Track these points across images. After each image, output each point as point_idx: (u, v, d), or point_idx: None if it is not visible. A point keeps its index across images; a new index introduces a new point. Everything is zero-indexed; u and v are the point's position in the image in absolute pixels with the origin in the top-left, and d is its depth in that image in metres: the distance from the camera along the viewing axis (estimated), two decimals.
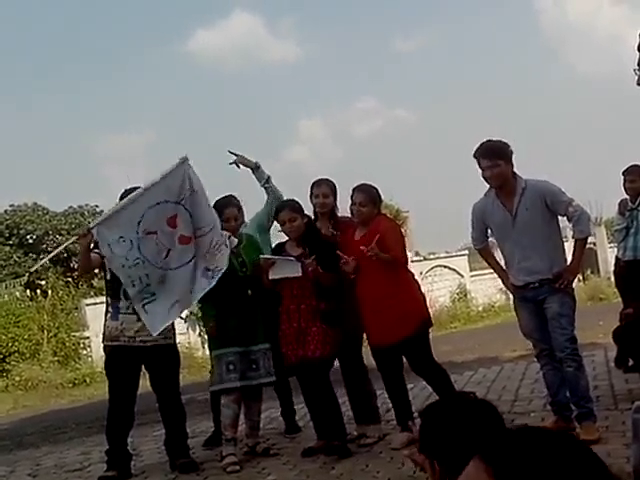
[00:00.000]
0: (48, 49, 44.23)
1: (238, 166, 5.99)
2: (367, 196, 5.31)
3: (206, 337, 5.51)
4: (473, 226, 5.20)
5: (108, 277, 5.51)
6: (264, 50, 47.78)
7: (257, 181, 5.99)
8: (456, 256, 19.62)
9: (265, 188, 5.97)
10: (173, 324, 5.64)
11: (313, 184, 5.76)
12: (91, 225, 5.34)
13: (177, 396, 5.57)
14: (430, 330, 5.45)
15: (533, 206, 4.82)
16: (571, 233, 5.19)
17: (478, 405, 1.89)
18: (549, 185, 4.92)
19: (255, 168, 5.96)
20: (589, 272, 20.45)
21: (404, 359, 5.37)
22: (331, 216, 5.72)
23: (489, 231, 5.18)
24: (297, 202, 5.57)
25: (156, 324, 5.29)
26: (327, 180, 5.80)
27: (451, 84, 45.23)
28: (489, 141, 4.92)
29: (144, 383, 5.73)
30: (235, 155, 5.99)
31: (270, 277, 5.32)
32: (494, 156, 4.83)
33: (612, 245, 17.19)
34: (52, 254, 6.98)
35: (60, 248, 6.32)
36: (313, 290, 5.33)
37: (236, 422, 5.45)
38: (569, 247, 5.23)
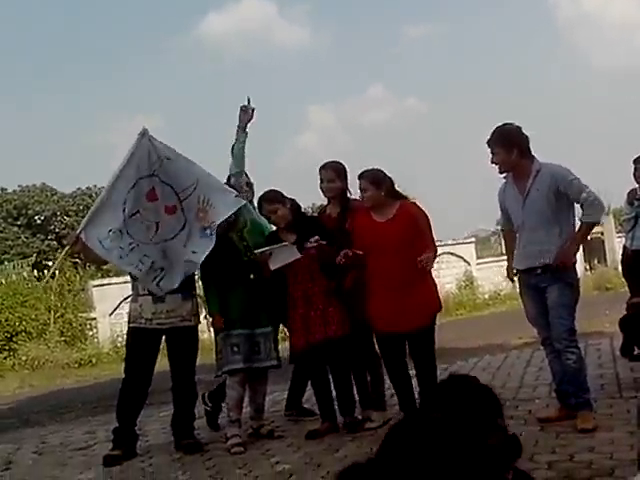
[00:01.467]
0: (50, 48, 44.36)
1: (242, 116, 5.69)
2: (367, 180, 5.25)
3: (212, 320, 5.51)
4: (500, 209, 5.25)
5: None
6: (276, 35, 47.79)
7: (236, 139, 5.68)
8: (463, 243, 19.58)
9: (240, 148, 5.67)
10: (197, 306, 5.65)
11: (320, 169, 5.69)
12: (77, 231, 5.39)
13: (191, 378, 5.58)
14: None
15: (543, 188, 4.80)
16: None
17: (475, 387, 1.91)
18: (563, 171, 4.87)
19: (242, 130, 5.67)
20: (596, 261, 20.41)
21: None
22: (342, 200, 5.67)
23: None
24: (274, 191, 5.54)
25: (169, 287, 5.35)
26: (333, 163, 5.69)
27: (460, 75, 45.19)
28: (497, 128, 4.91)
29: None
30: (246, 108, 5.70)
31: (272, 268, 5.31)
32: (494, 144, 4.87)
33: (620, 234, 17.13)
34: (56, 264, 7.00)
35: (59, 260, 6.45)
36: (321, 272, 5.35)
37: (241, 403, 5.49)
38: None
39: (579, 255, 20.28)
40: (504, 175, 5.06)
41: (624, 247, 7.31)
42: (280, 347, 5.68)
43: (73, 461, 5.73)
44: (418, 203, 5.72)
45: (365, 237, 5.21)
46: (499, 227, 5.48)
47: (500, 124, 4.94)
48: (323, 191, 5.71)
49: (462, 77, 45.06)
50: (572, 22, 46.95)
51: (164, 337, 5.53)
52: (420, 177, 39.04)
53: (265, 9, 47.38)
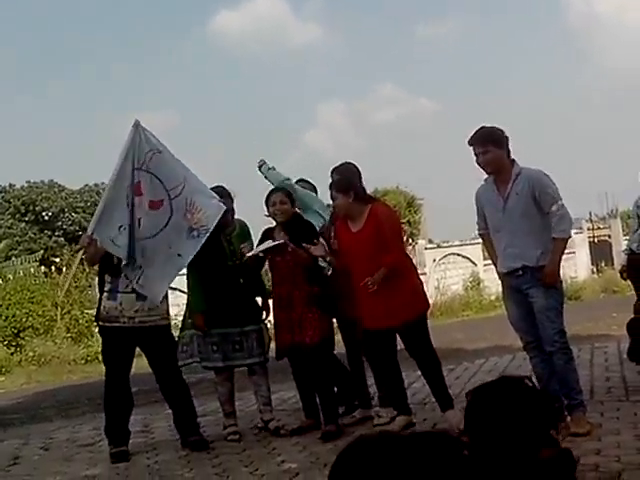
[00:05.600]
0: (63, 46, 44.51)
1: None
2: (335, 189, 5.32)
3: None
4: (477, 212, 5.18)
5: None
6: (287, 33, 47.85)
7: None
8: (470, 244, 19.54)
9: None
10: (168, 305, 5.63)
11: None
12: (89, 232, 5.33)
13: (178, 374, 5.57)
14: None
15: (523, 192, 4.77)
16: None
17: (530, 392, 1.86)
18: (541, 176, 4.84)
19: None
20: (603, 264, 20.36)
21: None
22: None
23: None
24: (290, 192, 5.62)
25: (155, 295, 5.30)
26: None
27: (472, 73, 45.16)
28: (482, 128, 4.87)
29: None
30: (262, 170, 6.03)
31: (252, 253, 5.36)
32: (485, 142, 4.80)
33: (627, 237, 17.07)
34: (73, 269, 6.84)
35: (75, 265, 6.46)
36: (305, 275, 5.37)
37: (231, 397, 5.68)
38: None
39: (586, 258, 20.24)
40: (485, 178, 5.02)
41: (630, 250, 7.17)
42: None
43: (79, 457, 5.77)
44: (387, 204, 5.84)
45: (343, 247, 5.34)
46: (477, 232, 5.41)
47: (481, 126, 4.89)
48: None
49: (474, 76, 45.01)
50: (585, 21, 46.68)
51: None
52: (431, 177, 39.01)
53: (277, 6, 47.38)
